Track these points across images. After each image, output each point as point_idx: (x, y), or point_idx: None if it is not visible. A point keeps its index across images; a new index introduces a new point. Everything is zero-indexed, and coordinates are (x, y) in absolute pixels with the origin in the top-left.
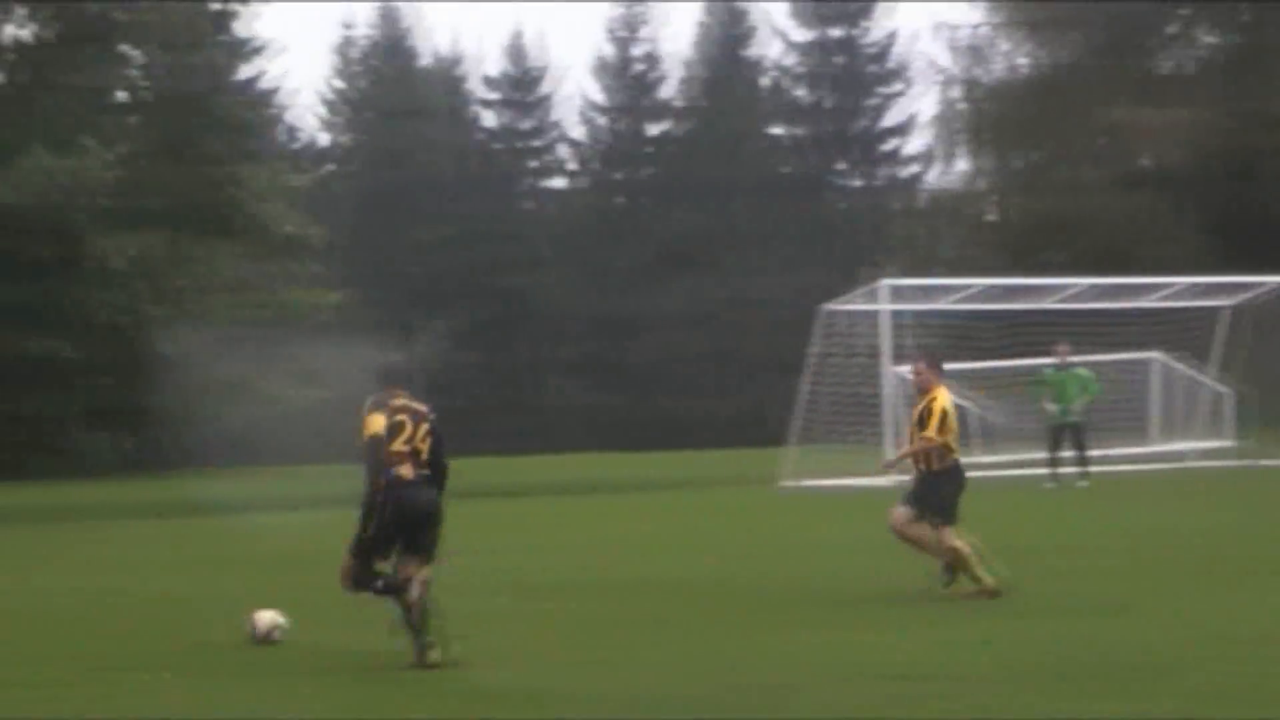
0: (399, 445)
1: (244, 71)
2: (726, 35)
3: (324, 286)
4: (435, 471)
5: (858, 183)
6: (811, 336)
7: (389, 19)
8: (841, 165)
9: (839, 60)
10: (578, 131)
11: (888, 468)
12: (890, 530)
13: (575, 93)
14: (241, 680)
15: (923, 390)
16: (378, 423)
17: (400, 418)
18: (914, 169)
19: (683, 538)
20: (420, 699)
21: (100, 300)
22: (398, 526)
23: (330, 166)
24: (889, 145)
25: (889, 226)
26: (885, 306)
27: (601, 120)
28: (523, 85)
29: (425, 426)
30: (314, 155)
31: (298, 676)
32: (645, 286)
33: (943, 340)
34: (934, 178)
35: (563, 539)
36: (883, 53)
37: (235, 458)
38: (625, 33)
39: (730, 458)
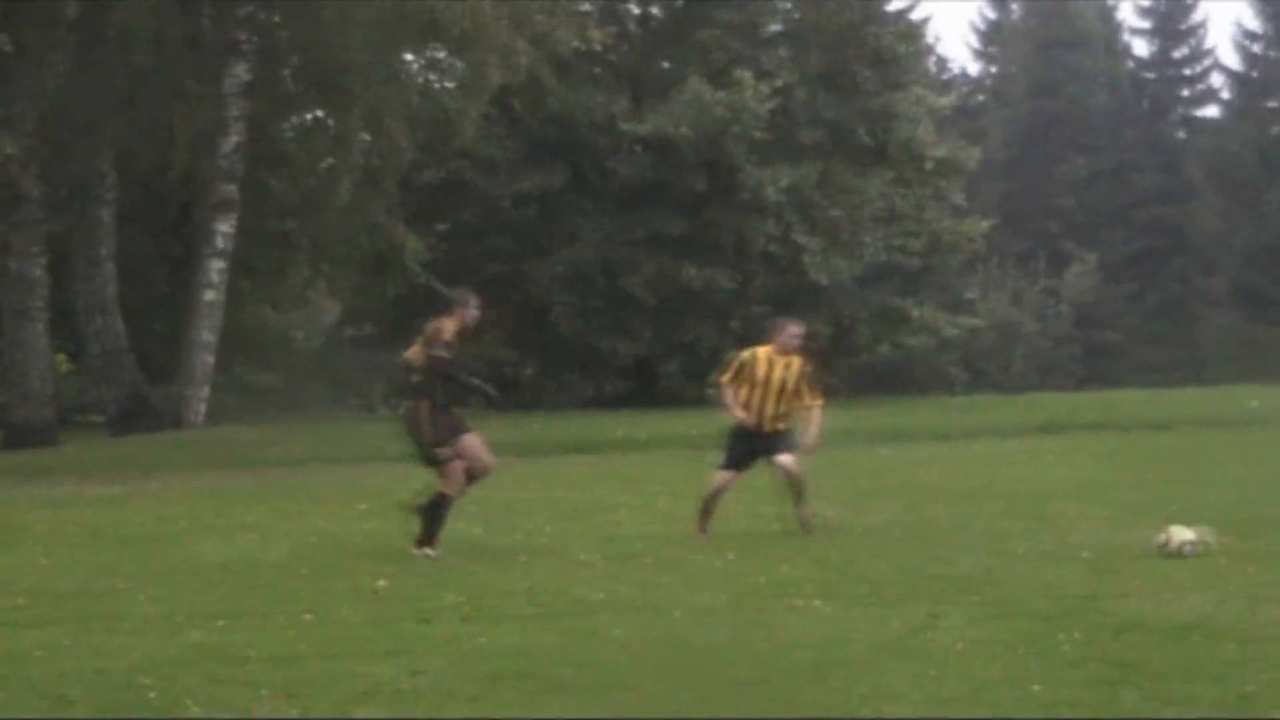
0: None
1: (896, 2)
2: None
3: (973, 216)
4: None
5: None
6: None
7: None
8: None
9: None
10: (1232, 59)
11: (808, 453)
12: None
13: (1230, 19)
14: (859, 607)
15: (785, 354)
16: (413, 351)
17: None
18: None
19: None
20: (1065, 629)
21: (755, 231)
22: None
23: (980, 97)
24: None
25: None
26: None
27: (1256, 48)
28: (1175, 13)
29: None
30: (964, 85)
31: (947, 606)
32: None
33: None
34: None
35: (1212, 474)
36: None
37: (883, 388)
38: None
39: None
